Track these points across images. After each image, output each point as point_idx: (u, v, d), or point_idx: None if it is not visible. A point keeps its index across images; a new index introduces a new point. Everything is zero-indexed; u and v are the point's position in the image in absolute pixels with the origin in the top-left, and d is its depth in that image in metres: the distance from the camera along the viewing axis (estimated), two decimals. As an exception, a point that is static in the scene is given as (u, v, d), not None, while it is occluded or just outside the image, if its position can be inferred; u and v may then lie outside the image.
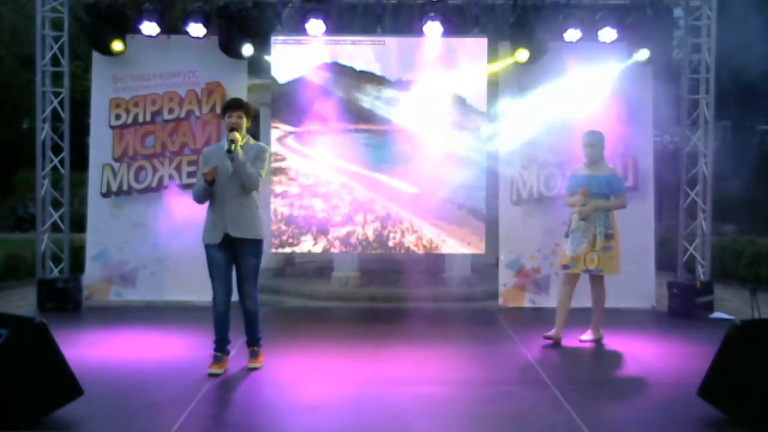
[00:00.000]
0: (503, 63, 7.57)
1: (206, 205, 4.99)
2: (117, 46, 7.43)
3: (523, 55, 7.31)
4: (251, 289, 4.97)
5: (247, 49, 7.34)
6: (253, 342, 5.10)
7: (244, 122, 4.94)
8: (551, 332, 5.83)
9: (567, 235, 5.85)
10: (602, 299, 5.95)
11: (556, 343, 5.79)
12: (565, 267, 5.86)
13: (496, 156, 7.65)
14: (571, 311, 5.93)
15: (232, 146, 4.75)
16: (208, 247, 4.94)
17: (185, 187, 7.44)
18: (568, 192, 6.02)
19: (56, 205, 7.79)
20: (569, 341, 5.90)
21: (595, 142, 5.85)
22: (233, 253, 4.93)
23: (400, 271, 8.37)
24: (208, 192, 4.87)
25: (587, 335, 5.97)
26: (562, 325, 5.85)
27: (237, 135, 4.82)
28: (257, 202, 5.02)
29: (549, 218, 7.42)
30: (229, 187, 4.85)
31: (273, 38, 7.64)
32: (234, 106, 4.97)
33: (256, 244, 4.96)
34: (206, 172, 4.78)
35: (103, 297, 7.63)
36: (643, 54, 7.30)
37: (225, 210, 4.85)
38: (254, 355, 5.07)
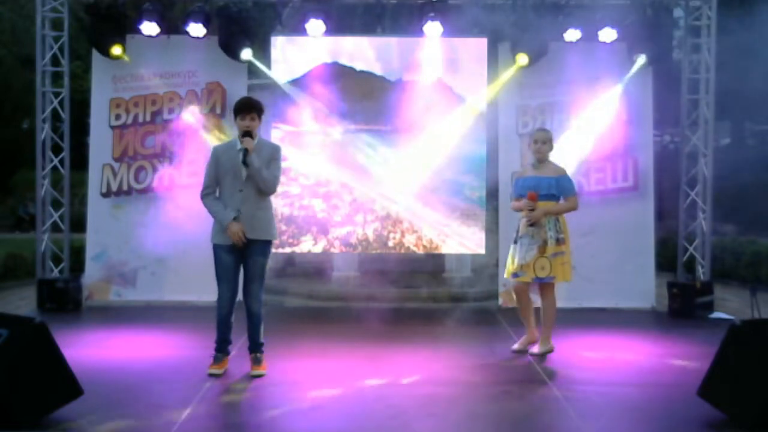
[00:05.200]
0: (507, 72, 7.55)
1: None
2: (116, 50, 7.43)
3: (523, 59, 7.33)
4: (257, 291, 4.88)
5: (246, 54, 7.35)
6: (255, 348, 4.96)
7: (257, 124, 4.85)
8: (529, 345, 5.57)
9: (515, 242, 5.47)
10: (552, 309, 5.51)
11: (533, 344, 5.59)
12: (514, 275, 5.45)
13: (496, 156, 7.66)
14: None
15: (246, 155, 4.69)
16: (217, 247, 4.85)
17: (185, 187, 7.46)
18: (514, 195, 5.67)
19: (56, 205, 7.79)
20: (567, 342, 5.89)
21: (547, 140, 5.49)
22: (242, 255, 4.85)
23: (400, 271, 8.37)
24: (230, 199, 4.79)
25: (537, 348, 5.55)
26: (532, 328, 5.60)
27: (251, 141, 4.73)
28: (271, 202, 4.97)
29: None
30: (244, 189, 4.78)
31: (273, 38, 7.65)
32: (246, 108, 4.82)
33: (265, 244, 4.89)
34: (235, 240, 4.71)
35: (103, 297, 7.63)
36: (641, 59, 7.31)
37: (240, 212, 4.76)
38: (257, 361, 4.93)
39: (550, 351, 5.55)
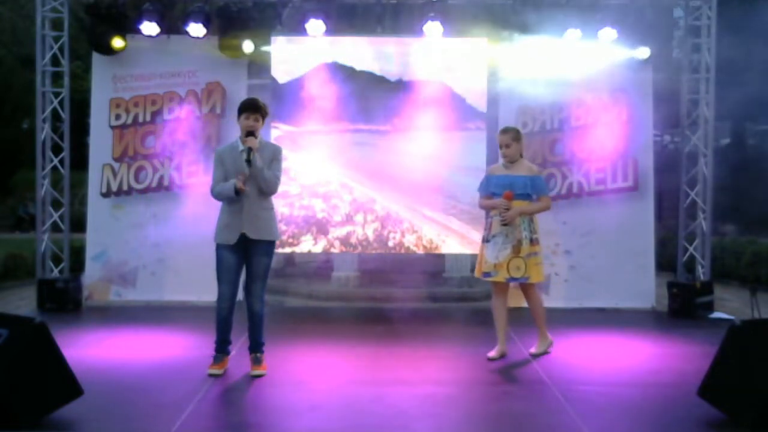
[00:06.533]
0: (506, 70, 7.55)
1: (213, 204, 4.94)
2: (117, 42, 7.44)
3: (523, 55, 7.32)
4: (259, 290, 4.88)
5: (248, 46, 7.37)
6: (256, 348, 4.96)
7: (260, 125, 4.87)
8: (494, 352, 5.39)
9: (487, 240, 5.35)
10: (540, 306, 5.51)
11: (503, 356, 5.40)
12: (486, 275, 5.32)
13: (496, 156, 7.64)
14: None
15: (250, 154, 4.70)
16: (220, 247, 4.86)
17: (185, 187, 7.48)
18: (482, 193, 5.50)
19: (56, 205, 7.79)
20: (567, 342, 5.89)
21: (511, 141, 5.34)
22: (245, 254, 4.86)
23: (400, 271, 8.38)
24: (234, 199, 4.77)
25: (535, 348, 5.54)
26: (504, 339, 5.45)
27: (254, 140, 4.76)
28: (272, 202, 4.98)
29: (549, 218, 7.42)
30: (245, 189, 4.78)
31: (273, 38, 7.65)
32: (251, 108, 4.84)
33: (269, 244, 4.91)
34: (239, 185, 4.68)
35: (103, 297, 7.63)
36: (644, 52, 7.31)
37: (242, 211, 4.77)
38: (257, 361, 4.93)
39: (549, 346, 5.56)
